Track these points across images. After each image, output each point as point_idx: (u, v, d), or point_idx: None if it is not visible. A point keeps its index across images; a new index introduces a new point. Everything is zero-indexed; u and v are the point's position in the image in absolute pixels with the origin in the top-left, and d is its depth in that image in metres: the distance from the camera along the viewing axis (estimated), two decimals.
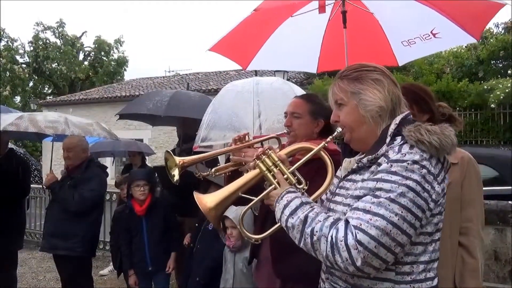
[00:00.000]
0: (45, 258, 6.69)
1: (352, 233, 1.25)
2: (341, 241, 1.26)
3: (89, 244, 3.89)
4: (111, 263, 6.11)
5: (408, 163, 1.28)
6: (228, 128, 3.16)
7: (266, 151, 1.57)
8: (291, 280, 2.06)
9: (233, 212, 2.79)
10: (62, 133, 3.94)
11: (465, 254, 2.01)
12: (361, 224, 1.25)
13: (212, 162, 3.34)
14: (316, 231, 1.31)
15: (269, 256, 2.13)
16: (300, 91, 3.25)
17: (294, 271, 2.00)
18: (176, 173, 1.97)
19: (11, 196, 4.05)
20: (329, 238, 1.28)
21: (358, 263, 1.24)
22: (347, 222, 1.29)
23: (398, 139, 1.37)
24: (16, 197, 4.18)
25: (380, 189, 1.28)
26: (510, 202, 4.38)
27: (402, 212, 1.25)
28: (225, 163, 2.26)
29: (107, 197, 6.90)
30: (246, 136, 2.09)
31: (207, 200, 1.55)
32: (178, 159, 1.98)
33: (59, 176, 4.03)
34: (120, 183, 4.59)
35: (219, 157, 2.59)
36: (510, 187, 4.91)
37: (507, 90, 10.75)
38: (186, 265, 3.59)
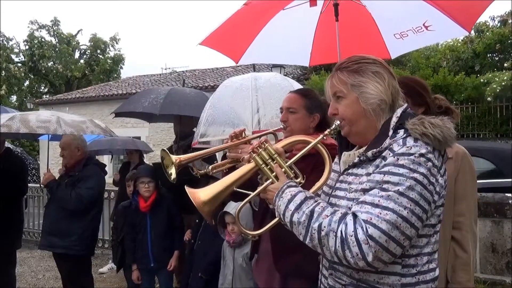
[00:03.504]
0: (44, 257, 6.69)
1: (362, 227, 1.23)
2: (351, 236, 1.23)
3: (87, 242, 3.87)
4: (110, 261, 6.14)
5: (415, 156, 1.27)
6: (226, 124, 3.15)
7: (262, 144, 1.52)
8: (291, 276, 2.06)
9: (234, 208, 2.76)
10: (54, 132, 3.87)
11: (457, 248, 2.01)
12: (371, 218, 1.23)
13: (210, 158, 3.34)
14: (324, 226, 1.28)
15: (269, 250, 2.13)
16: (298, 87, 3.24)
17: (294, 266, 2.00)
18: (173, 171, 1.95)
19: (9, 195, 4.03)
20: (339, 233, 1.26)
21: (369, 258, 1.22)
22: (355, 216, 1.27)
23: (401, 132, 1.35)
24: (14, 196, 4.16)
25: (388, 182, 1.26)
26: (507, 194, 4.41)
27: (410, 205, 1.24)
28: (222, 160, 2.24)
29: (105, 195, 6.88)
30: (243, 133, 2.06)
31: (200, 195, 1.49)
32: (174, 158, 1.96)
33: (57, 175, 4.03)
34: (127, 179, 4.63)
35: (216, 153, 2.58)
36: (507, 180, 4.94)
37: (503, 83, 10.78)
38: (187, 261, 3.59)
